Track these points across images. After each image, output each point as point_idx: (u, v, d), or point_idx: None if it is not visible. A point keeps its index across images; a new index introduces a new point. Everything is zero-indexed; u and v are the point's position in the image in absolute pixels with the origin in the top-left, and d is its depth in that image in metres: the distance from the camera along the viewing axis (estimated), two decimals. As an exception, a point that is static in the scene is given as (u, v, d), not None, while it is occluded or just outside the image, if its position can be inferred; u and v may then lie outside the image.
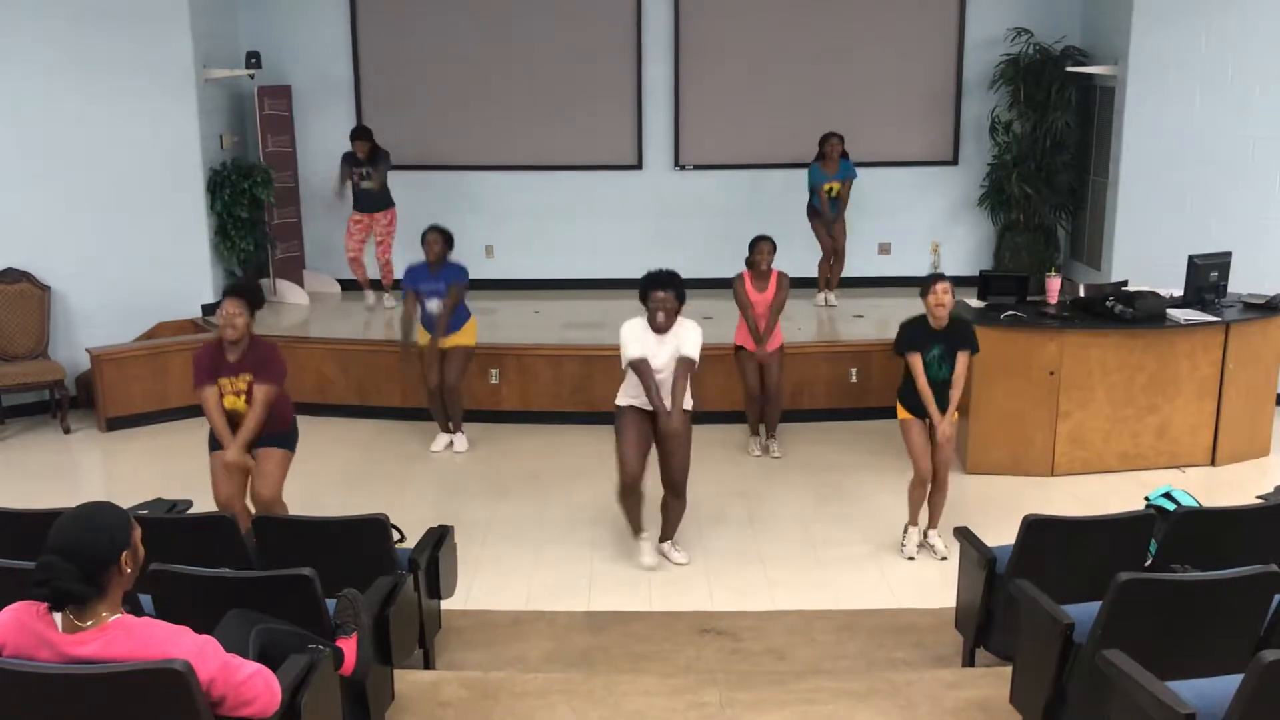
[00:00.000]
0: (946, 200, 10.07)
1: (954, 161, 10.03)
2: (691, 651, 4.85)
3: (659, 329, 5.48)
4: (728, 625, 5.08)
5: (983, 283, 7.42)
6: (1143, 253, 8.65)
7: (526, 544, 6.09)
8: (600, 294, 9.39)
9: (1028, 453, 6.95)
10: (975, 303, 7.26)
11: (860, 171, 9.04)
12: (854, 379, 8.03)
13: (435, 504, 6.57)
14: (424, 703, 4.08)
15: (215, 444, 5.39)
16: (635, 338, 5.49)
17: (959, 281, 6.35)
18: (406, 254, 8.28)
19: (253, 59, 8.99)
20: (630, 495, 5.70)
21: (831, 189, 8.90)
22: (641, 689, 4.19)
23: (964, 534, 4.61)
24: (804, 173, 9.03)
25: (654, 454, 5.67)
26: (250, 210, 8.85)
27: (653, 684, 4.26)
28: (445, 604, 4.82)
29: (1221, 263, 7.25)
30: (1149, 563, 4.24)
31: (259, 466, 5.40)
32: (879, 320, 8.65)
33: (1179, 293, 7.20)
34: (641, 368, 5.43)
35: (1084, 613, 3.57)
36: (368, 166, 8.91)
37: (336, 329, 8.76)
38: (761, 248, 7.07)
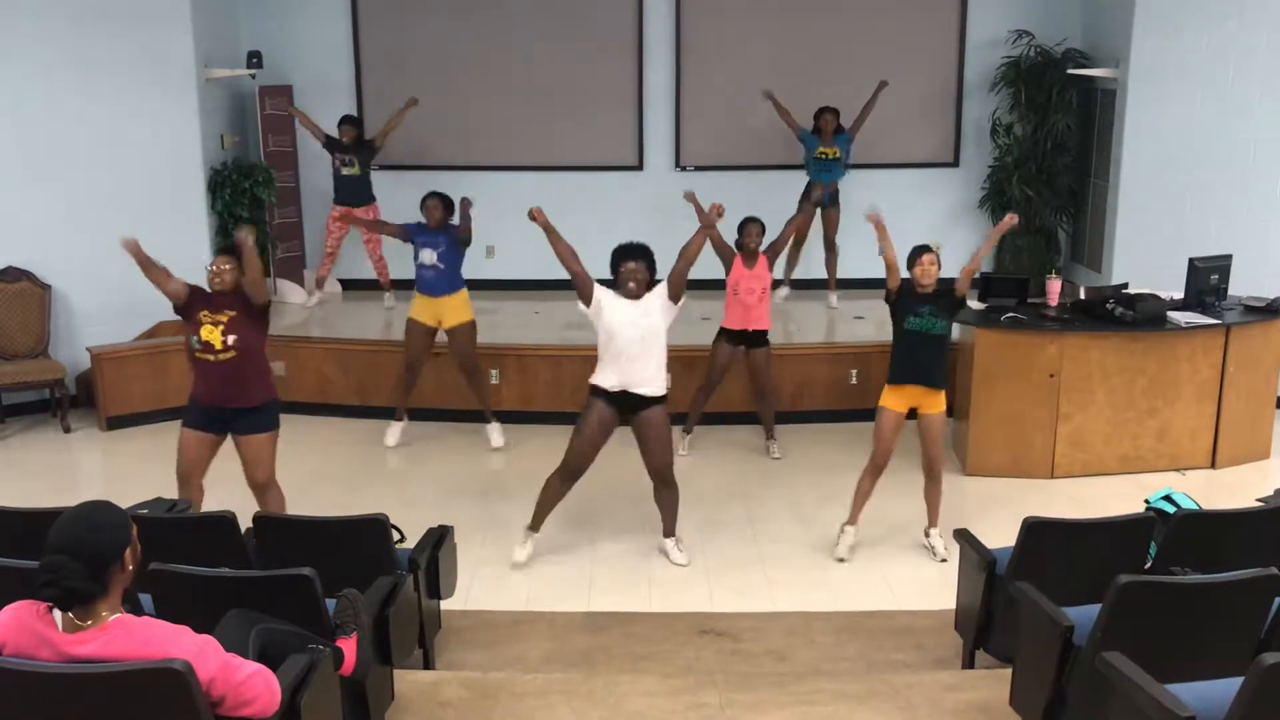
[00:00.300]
0: (947, 202, 10.07)
1: (955, 163, 10.03)
2: (691, 652, 4.85)
3: (630, 296, 5.54)
4: (728, 626, 5.08)
5: (983, 285, 7.42)
6: (1143, 255, 8.66)
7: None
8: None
9: (1028, 455, 6.95)
10: (976, 304, 7.26)
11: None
12: (854, 380, 8.03)
13: (435, 504, 6.57)
14: (424, 703, 4.08)
15: (189, 420, 5.39)
16: (603, 301, 5.54)
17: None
18: (400, 255, 8.30)
19: (254, 59, 8.99)
20: (560, 485, 5.72)
21: (826, 153, 8.93)
22: (641, 689, 4.19)
23: (964, 536, 4.61)
24: (804, 173, 9.05)
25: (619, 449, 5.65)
26: (251, 210, 8.84)
27: (652, 684, 4.26)
28: (445, 604, 4.82)
29: (1222, 265, 7.26)
30: (1149, 565, 4.24)
31: (246, 455, 5.39)
32: (879, 321, 8.63)
33: (1179, 295, 7.20)
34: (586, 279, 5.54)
35: (1084, 615, 3.57)
36: (351, 154, 8.92)
37: (337, 329, 8.77)
38: (750, 229, 7.10)
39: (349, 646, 3.45)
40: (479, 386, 7.50)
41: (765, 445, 7.46)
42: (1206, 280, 7.16)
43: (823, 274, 9.39)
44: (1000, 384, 6.88)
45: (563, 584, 5.64)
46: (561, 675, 4.48)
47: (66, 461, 7.63)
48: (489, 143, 9.89)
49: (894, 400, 5.80)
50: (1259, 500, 5.16)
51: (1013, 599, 3.93)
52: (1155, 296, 7.05)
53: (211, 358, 5.23)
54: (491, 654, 4.84)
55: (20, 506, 4.49)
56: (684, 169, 9.98)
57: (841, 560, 5.88)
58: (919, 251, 5.75)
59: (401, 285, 9.02)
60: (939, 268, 5.74)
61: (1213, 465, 7.09)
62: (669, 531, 5.91)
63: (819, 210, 9.04)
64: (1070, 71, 9.28)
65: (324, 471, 7.03)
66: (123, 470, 7.37)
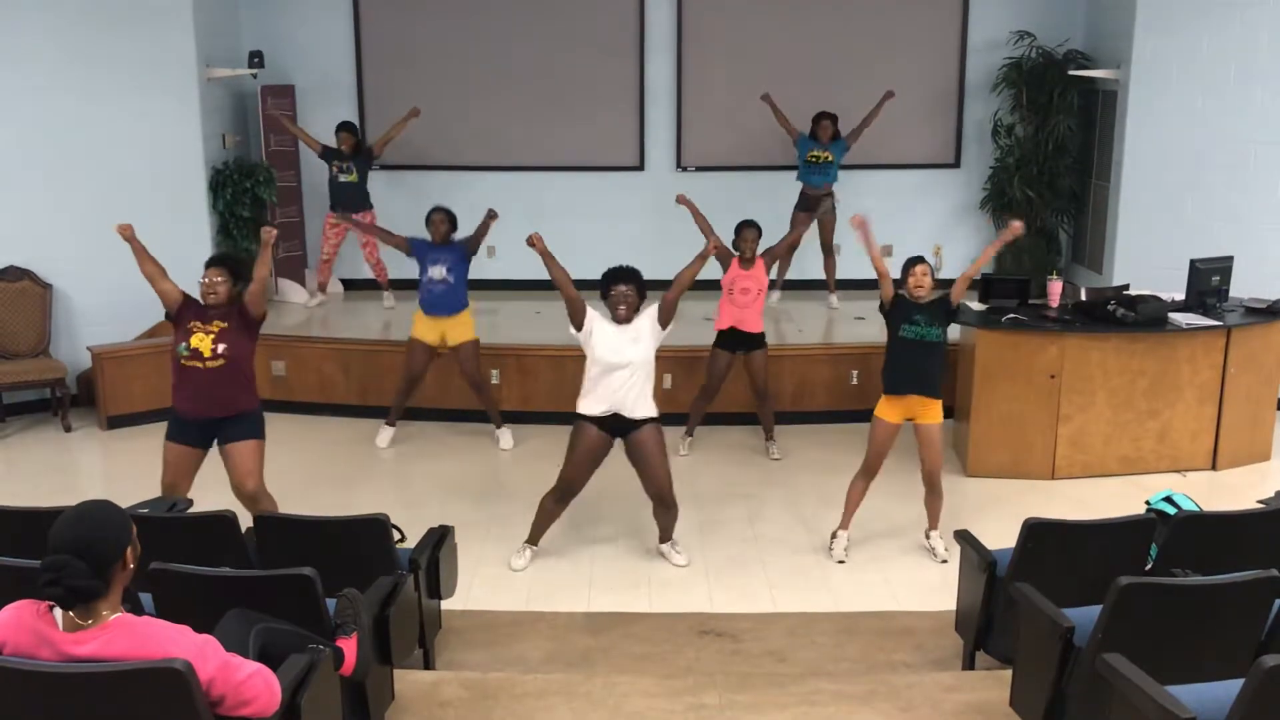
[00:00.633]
0: (948, 203, 10.07)
1: (956, 164, 10.03)
2: (691, 653, 4.85)
3: (620, 320, 5.53)
4: (727, 627, 5.08)
5: (984, 286, 7.42)
6: (1144, 256, 8.65)
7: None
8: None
9: (1028, 456, 6.95)
10: (977, 305, 7.26)
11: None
12: (855, 381, 8.03)
13: (436, 504, 6.57)
14: (424, 703, 4.08)
15: (172, 432, 5.37)
16: (595, 325, 5.52)
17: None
18: (397, 260, 8.30)
19: (255, 58, 8.99)
20: (554, 506, 5.73)
21: (818, 156, 8.93)
22: (641, 690, 4.19)
23: (964, 537, 4.61)
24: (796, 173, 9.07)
25: (618, 449, 5.64)
26: (252, 209, 8.84)
27: (652, 685, 4.26)
28: (445, 604, 4.82)
29: (1223, 267, 7.25)
30: (1149, 567, 4.24)
31: (234, 464, 5.34)
32: (880, 323, 8.60)
33: (1180, 297, 7.20)
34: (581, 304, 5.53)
35: (1084, 616, 3.57)
36: (349, 160, 8.93)
37: (338, 328, 8.77)
38: (746, 234, 7.09)
39: (349, 646, 3.45)
40: (488, 400, 7.55)
41: (765, 446, 7.46)
42: (1207, 282, 7.16)
43: (821, 275, 9.39)
44: (1001, 385, 6.88)
45: (563, 584, 5.64)
46: (561, 676, 4.48)
47: (67, 461, 7.64)
48: (490, 143, 9.89)
49: (890, 411, 5.80)
50: (1260, 502, 5.14)
51: (1013, 600, 3.93)
52: (1156, 298, 7.04)
53: (200, 365, 5.18)
54: (491, 654, 4.84)
55: (21, 506, 4.49)
56: (685, 169, 9.98)
57: (841, 562, 5.88)
58: (912, 263, 5.76)
59: (400, 285, 9.02)
60: (932, 279, 5.75)
61: (1213, 467, 7.08)
62: (666, 537, 5.90)
63: (812, 216, 9.02)
64: (1072, 73, 9.27)
65: (324, 471, 7.03)
66: (123, 469, 7.37)
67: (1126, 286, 7.34)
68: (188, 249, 8.60)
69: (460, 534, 5.06)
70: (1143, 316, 6.84)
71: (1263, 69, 8.27)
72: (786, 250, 8.85)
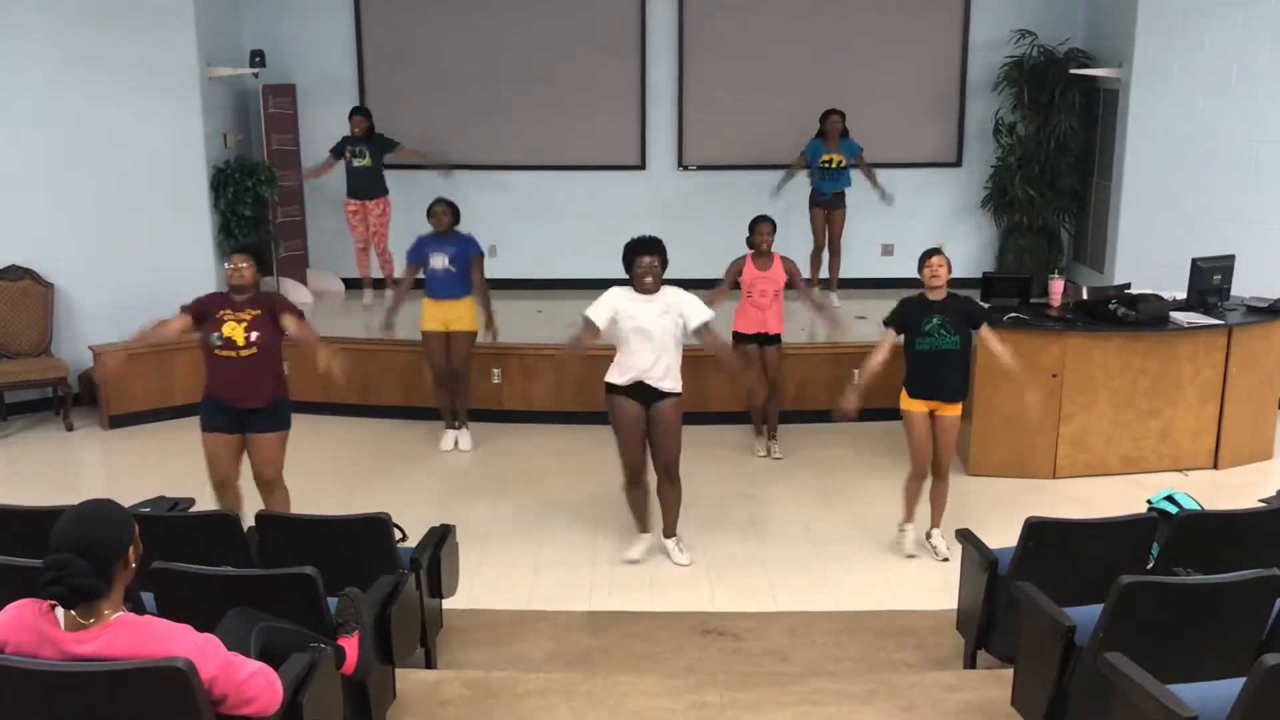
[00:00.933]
0: (950, 202, 10.07)
1: (957, 163, 10.03)
2: (693, 652, 4.85)
3: (646, 291, 5.56)
4: (729, 626, 5.08)
5: (986, 285, 7.42)
6: (1146, 255, 8.65)
7: (528, 544, 6.10)
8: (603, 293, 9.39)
9: (1030, 455, 6.95)
10: (981, 305, 7.25)
11: (866, 163, 9.02)
12: (856, 380, 8.00)
13: (437, 503, 6.57)
14: (425, 702, 4.08)
15: (209, 424, 5.42)
16: (614, 304, 5.57)
17: (962, 284, 6.35)
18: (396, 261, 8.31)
19: (257, 57, 9.00)
20: (635, 487, 5.77)
21: (831, 160, 8.90)
22: (642, 689, 4.19)
23: (966, 536, 4.61)
24: (806, 173, 9.04)
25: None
26: (254, 209, 8.85)
27: (654, 684, 4.26)
28: (447, 603, 4.83)
29: (1225, 266, 7.24)
30: (1151, 566, 4.24)
31: (257, 452, 5.45)
32: (882, 322, 8.63)
33: (1182, 296, 7.19)
34: (585, 332, 5.60)
35: (1086, 615, 3.56)
36: (362, 144, 8.92)
37: (339, 327, 8.76)
38: (761, 228, 7.05)
39: (351, 645, 3.45)
40: (463, 392, 7.53)
41: (767, 445, 7.46)
42: (1209, 280, 7.15)
43: (821, 273, 9.39)
44: (1002, 384, 6.84)
45: (564, 584, 5.64)
46: (563, 675, 4.48)
47: (69, 460, 7.64)
48: (491, 142, 9.89)
49: (915, 403, 5.77)
50: (1261, 501, 5.16)
51: (1014, 599, 3.93)
52: (1158, 297, 7.04)
53: (233, 354, 5.27)
54: (493, 653, 4.84)
55: (23, 505, 4.49)
56: (687, 168, 9.98)
57: (911, 556, 5.86)
58: (927, 255, 5.67)
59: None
60: (949, 270, 5.68)
61: (1215, 466, 7.08)
62: (670, 532, 5.91)
63: (825, 212, 9.03)
64: (1073, 71, 9.27)
65: (326, 470, 7.03)
66: (125, 469, 7.38)
67: (1128, 285, 7.33)
68: (189, 248, 8.65)
69: (462, 533, 5.06)
70: (1144, 315, 6.84)
71: (1264, 68, 8.26)
72: (813, 251, 8.93)
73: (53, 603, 2.61)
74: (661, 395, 5.60)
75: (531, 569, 5.79)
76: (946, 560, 5.75)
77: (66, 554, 2.56)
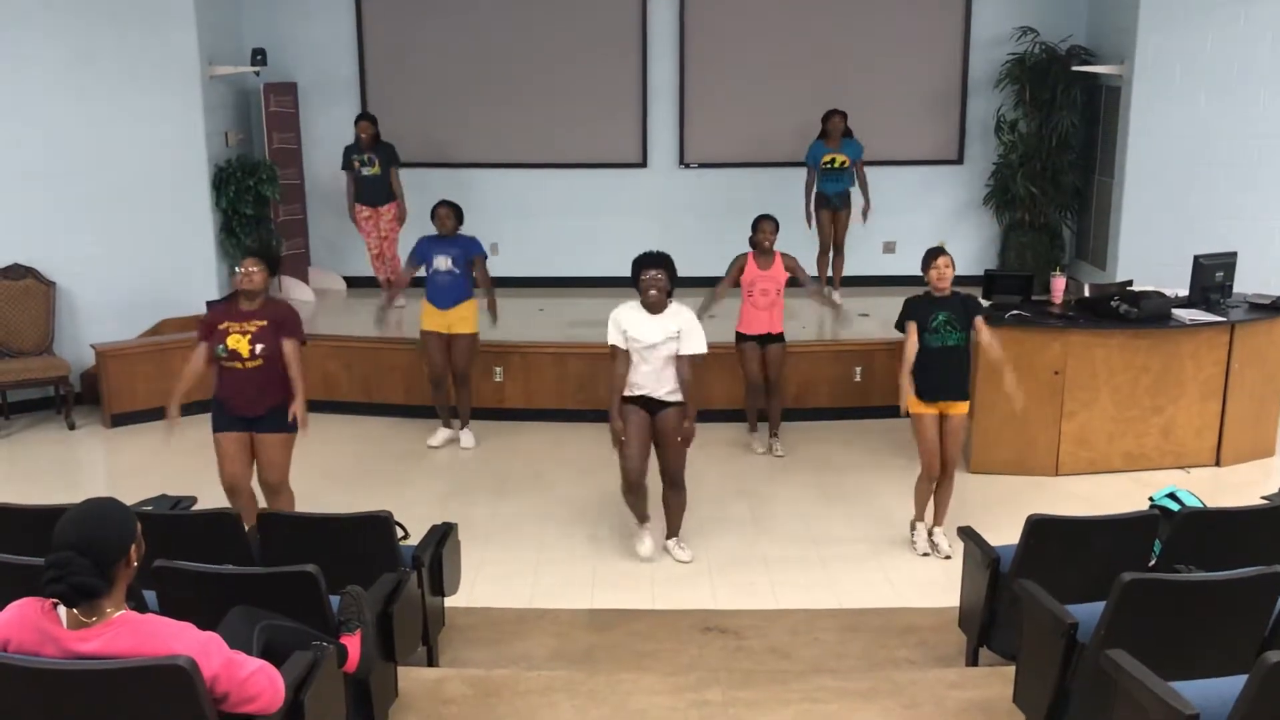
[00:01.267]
0: (952, 199, 10.06)
1: (959, 161, 10.03)
2: (694, 650, 4.85)
3: (651, 307, 5.57)
4: (731, 624, 5.08)
5: (988, 282, 7.41)
6: (1148, 253, 8.64)
7: (530, 542, 6.10)
8: (605, 292, 9.31)
9: (1032, 452, 6.95)
10: (981, 302, 7.24)
11: (865, 171, 9.01)
12: (858, 378, 8.03)
13: (439, 501, 6.58)
14: (427, 700, 4.08)
15: (220, 424, 5.43)
16: (621, 322, 5.59)
17: (964, 281, 6.33)
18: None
19: (258, 56, 9.00)
20: (634, 492, 5.77)
21: (834, 160, 8.89)
22: (644, 687, 4.19)
23: (968, 533, 4.61)
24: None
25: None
26: (255, 207, 8.86)
27: (655, 682, 4.26)
28: (449, 601, 4.83)
29: (1227, 263, 7.24)
30: (1153, 563, 4.23)
31: (264, 455, 5.45)
32: (883, 319, 8.57)
33: (1184, 293, 7.18)
34: (616, 363, 5.62)
35: (1088, 613, 3.56)
36: (369, 153, 8.90)
37: (341, 326, 8.76)
38: (764, 227, 7.05)
39: (353, 643, 3.45)
40: (465, 397, 7.53)
41: (769, 443, 7.46)
42: (1211, 277, 7.14)
43: (828, 272, 9.38)
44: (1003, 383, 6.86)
45: (566, 582, 5.64)
46: (565, 673, 4.47)
47: (71, 458, 7.65)
48: (492, 140, 9.90)
49: (925, 406, 5.78)
50: (1264, 498, 5.16)
51: (1016, 597, 3.93)
52: (1160, 294, 7.03)
53: (239, 365, 5.29)
54: (495, 651, 4.84)
55: (25, 504, 4.49)
56: (688, 166, 9.98)
57: (925, 555, 5.86)
58: (933, 255, 5.69)
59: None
60: (954, 269, 5.69)
61: (1217, 463, 7.07)
62: (673, 532, 5.91)
63: (830, 213, 9.02)
64: (1075, 69, 9.25)
65: (328, 469, 7.03)
66: (127, 467, 7.39)
67: (1130, 282, 7.32)
68: (190, 246, 8.66)
69: (464, 531, 5.06)
70: (1146, 313, 6.83)
71: (1265, 66, 8.26)
72: (820, 252, 8.96)
73: (55, 601, 2.61)
74: (665, 405, 5.64)
75: (533, 567, 5.80)
76: (949, 558, 5.75)
77: (68, 552, 2.56)
